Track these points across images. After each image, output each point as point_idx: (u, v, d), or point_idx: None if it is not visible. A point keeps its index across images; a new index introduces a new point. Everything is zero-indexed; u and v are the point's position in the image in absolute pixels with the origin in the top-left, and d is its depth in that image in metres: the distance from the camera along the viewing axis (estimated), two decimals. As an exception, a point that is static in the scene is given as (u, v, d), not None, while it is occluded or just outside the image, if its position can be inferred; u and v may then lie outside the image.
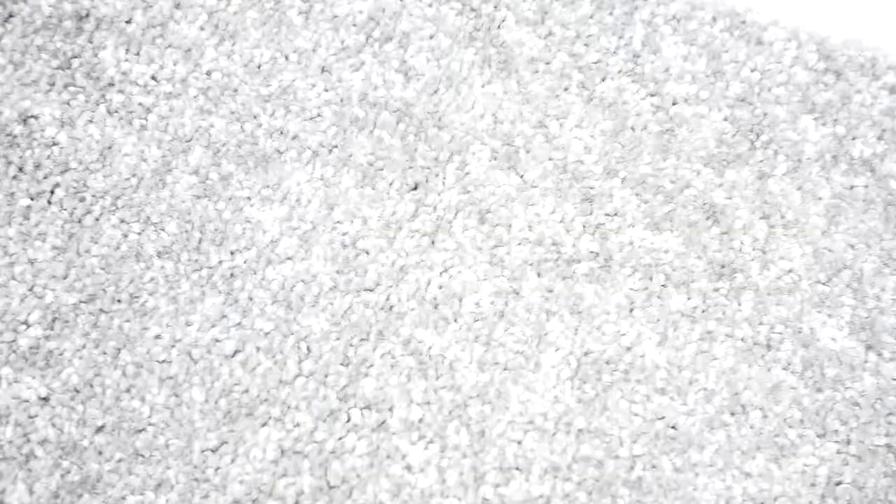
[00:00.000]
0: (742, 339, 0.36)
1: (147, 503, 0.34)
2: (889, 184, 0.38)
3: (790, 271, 0.37)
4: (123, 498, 0.34)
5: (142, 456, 0.34)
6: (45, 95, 0.37)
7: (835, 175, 0.38)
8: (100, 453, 0.34)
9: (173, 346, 0.35)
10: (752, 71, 0.39)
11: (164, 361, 0.35)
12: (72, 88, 0.38)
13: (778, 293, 0.37)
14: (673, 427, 0.35)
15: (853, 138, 0.38)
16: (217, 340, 0.35)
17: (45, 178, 0.37)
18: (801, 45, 0.40)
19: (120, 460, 0.34)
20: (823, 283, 0.37)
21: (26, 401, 0.34)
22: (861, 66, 0.39)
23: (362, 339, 0.35)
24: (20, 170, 0.37)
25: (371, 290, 0.36)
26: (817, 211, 0.37)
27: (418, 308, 0.36)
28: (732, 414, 0.35)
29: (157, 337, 0.35)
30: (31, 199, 0.37)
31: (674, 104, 0.39)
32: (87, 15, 0.39)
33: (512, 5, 0.40)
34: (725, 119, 0.38)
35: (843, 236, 0.37)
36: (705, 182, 0.38)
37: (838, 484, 0.35)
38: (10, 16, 0.38)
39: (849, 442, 0.35)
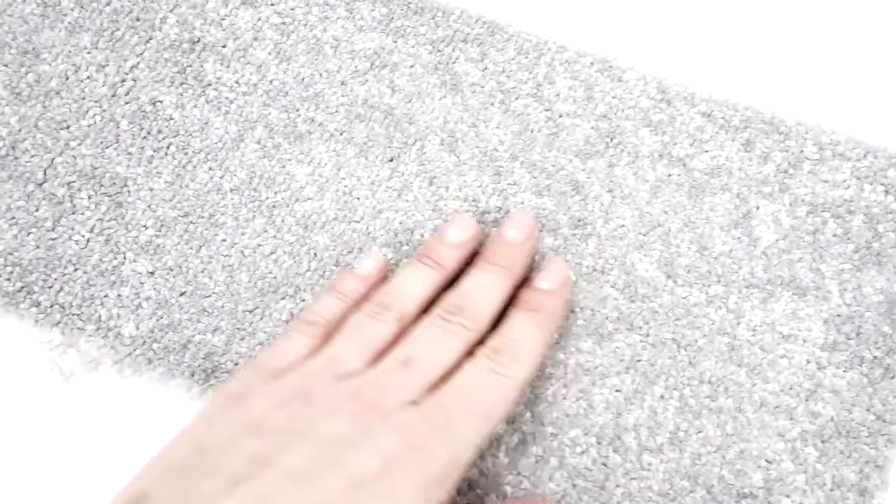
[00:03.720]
0: (586, 267, 0.35)
1: (206, 341, 0.34)
2: (694, 175, 0.37)
3: (622, 226, 0.36)
4: (192, 336, 0.34)
5: (206, 312, 0.34)
6: (167, 88, 0.38)
7: (658, 167, 0.37)
8: (181, 307, 0.35)
9: (233, 247, 0.35)
10: (613, 98, 0.38)
11: (225, 255, 0.35)
12: (185, 85, 0.38)
13: (613, 239, 0.36)
14: (535, 317, 0.34)
15: (674, 144, 0.37)
16: (260, 245, 0.35)
17: (164, 138, 0.37)
18: (647, 83, 0.38)
19: (193, 313, 0.35)
20: (643, 235, 0.36)
21: (140, 273, 0.35)
22: (684, 98, 0.38)
23: (349, 252, 0.35)
24: (148, 133, 0.37)
25: (358, 222, 0.36)
26: (645, 189, 0.36)
27: (385, 235, 0.36)
28: (572, 312, 0.34)
29: (223, 241, 0.35)
30: (154, 152, 0.37)
31: (560, 117, 0.38)
32: (198, 40, 0.39)
33: (463, 49, 0.39)
34: (592, 128, 0.37)
35: (660, 206, 0.36)
36: (574, 167, 0.37)
37: (639, 361, 0.34)
38: (150, 38, 0.38)
39: (647, 335, 0.34)
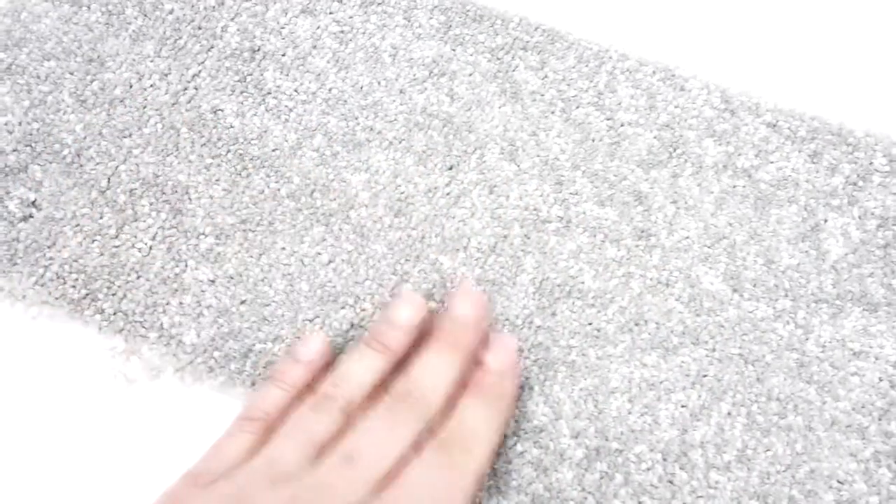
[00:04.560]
0: (650, 279, 0.35)
1: (267, 350, 0.35)
2: (759, 186, 0.36)
3: (687, 238, 0.35)
4: (254, 344, 0.34)
5: (266, 320, 0.34)
6: (228, 97, 0.38)
7: (723, 178, 0.36)
8: (242, 316, 0.35)
9: (292, 255, 0.35)
10: (675, 107, 0.37)
11: (286, 264, 0.35)
12: (245, 94, 0.38)
13: (677, 251, 0.35)
14: (597, 329, 0.34)
15: (739, 155, 0.37)
16: (318, 253, 0.35)
17: (223, 145, 0.37)
18: (710, 92, 0.38)
19: (254, 322, 0.35)
20: (708, 247, 0.35)
21: (201, 281, 0.35)
22: (749, 108, 0.37)
23: (406, 260, 0.35)
24: (208, 140, 0.37)
25: (414, 229, 0.36)
26: (709, 200, 0.36)
27: (441, 242, 0.35)
28: (636, 324, 0.34)
29: (283, 249, 0.35)
30: (213, 159, 0.37)
31: (621, 126, 0.37)
32: (259, 49, 0.39)
33: (523, 56, 0.39)
34: (655, 137, 0.37)
35: (725, 218, 0.36)
36: (636, 177, 0.36)
37: (705, 376, 0.33)
38: (212, 47, 0.38)
39: (714, 350, 0.34)
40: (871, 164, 0.36)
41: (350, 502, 0.24)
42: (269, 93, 0.37)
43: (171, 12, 0.39)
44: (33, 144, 0.36)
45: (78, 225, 0.35)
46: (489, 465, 0.29)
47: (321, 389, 0.28)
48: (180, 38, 0.38)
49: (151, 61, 0.38)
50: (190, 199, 0.35)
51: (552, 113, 0.37)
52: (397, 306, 0.31)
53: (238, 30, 0.38)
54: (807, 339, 0.34)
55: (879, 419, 0.32)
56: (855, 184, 0.36)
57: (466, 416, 0.28)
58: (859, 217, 0.35)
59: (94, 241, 0.35)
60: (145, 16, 0.39)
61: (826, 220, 0.35)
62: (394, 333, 0.30)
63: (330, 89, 0.38)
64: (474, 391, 0.29)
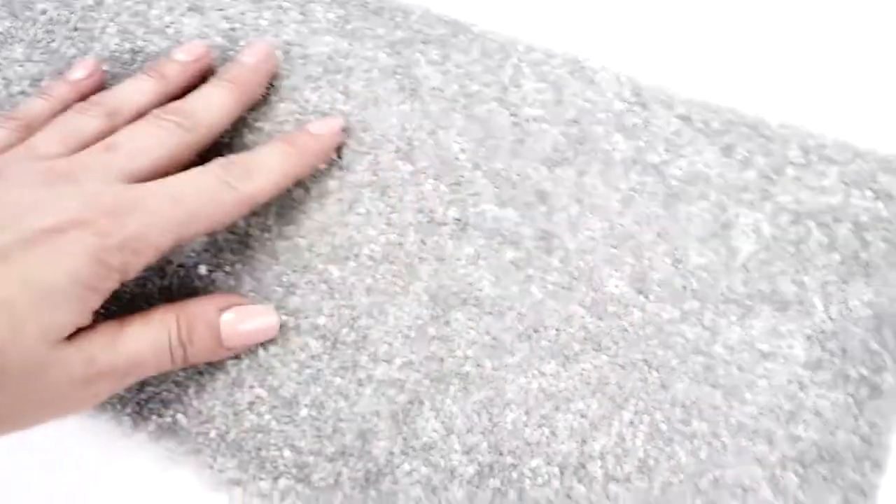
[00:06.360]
0: (551, 283, 0.34)
1: None
2: (670, 182, 0.36)
3: (591, 238, 0.35)
4: None
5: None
6: (108, 101, 0.36)
7: (632, 174, 0.36)
8: None
9: (168, 264, 0.34)
10: (584, 101, 0.37)
11: (160, 276, 0.34)
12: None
13: (581, 253, 0.35)
14: (494, 338, 0.34)
15: (649, 150, 0.37)
16: (197, 263, 0.35)
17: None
18: (621, 85, 0.37)
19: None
20: (614, 248, 0.35)
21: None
22: (661, 101, 0.37)
23: (294, 271, 0.35)
24: (87, 148, 0.36)
25: (303, 238, 0.35)
26: (616, 198, 0.36)
27: (331, 251, 0.35)
28: (535, 331, 0.34)
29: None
30: None
31: (526, 121, 0.37)
32: (140, 50, 0.39)
33: (424, 51, 0.39)
34: (561, 133, 0.37)
35: (633, 216, 0.36)
36: (540, 176, 0.36)
37: (606, 384, 0.33)
38: (89, 50, 0.40)
39: (616, 356, 0.34)
40: (785, 155, 0.36)
41: (102, 179, 0.27)
42: (153, 95, 0.37)
43: (43, 13, 0.38)
44: None
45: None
46: (266, 198, 0.31)
47: (90, 98, 0.31)
48: (53, 40, 0.38)
49: (21, 66, 0.37)
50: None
51: (453, 110, 0.37)
52: (178, 47, 0.35)
53: (118, 30, 0.38)
54: (714, 342, 0.34)
55: (787, 423, 0.32)
56: (768, 177, 0.36)
57: (262, 150, 0.32)
58: (772, 213, 0.35)
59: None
60: (15, 16, 0.38)
61: (737, 217, 0.35)
62: (169, 63, 0.33)
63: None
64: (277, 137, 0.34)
